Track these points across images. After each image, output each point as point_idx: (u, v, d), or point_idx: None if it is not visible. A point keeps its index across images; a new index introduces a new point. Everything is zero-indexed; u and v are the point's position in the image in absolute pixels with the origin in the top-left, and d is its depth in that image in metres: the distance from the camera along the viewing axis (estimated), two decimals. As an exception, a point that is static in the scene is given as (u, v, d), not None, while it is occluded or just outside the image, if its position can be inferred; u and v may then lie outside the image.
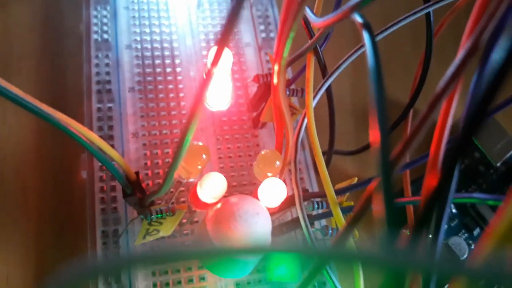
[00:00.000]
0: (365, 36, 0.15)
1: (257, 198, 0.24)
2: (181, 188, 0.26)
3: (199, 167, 0.23)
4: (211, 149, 0.30)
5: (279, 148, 0.26)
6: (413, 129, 0.13)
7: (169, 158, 0.30)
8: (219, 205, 0.23)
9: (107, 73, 0.31)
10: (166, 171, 0.19)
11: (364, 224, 0.27)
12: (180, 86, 0.32)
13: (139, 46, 0.32)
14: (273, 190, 0.23)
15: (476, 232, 0.33)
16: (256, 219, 0.22)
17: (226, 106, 0.26)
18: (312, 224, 0.26)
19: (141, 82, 0.31)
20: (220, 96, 0.25)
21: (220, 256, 0.10)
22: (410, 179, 0.30)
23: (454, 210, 0.34)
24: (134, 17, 0.33)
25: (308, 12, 0.21)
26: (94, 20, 0.33)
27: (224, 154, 0.31)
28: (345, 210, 0.24)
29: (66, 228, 0.30)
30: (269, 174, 0.24)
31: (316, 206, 0.25)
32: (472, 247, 0.32)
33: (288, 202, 0.25)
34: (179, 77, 0.32)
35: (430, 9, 0.24)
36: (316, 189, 0.31)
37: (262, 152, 0.25)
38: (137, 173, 0.25)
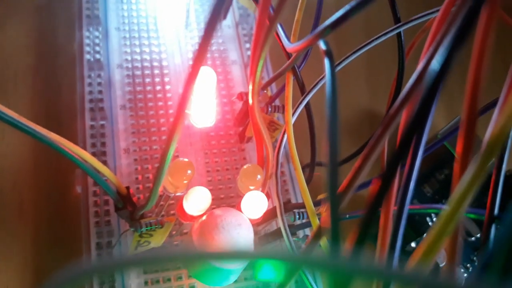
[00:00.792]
0: (326, 62, 0.16)
1: (241, 210, 0.25)
2: (171, 201, 0.28)
3: (185, 181, 0.25)
4: (199, 163, 0.32)
5: (260, 162, 0.27)
6: (363, 155, 0.14)
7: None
8: (204, 217, 0.24)
9: (100, 92, 0.32)
10: (151, 186, 0.21)
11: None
12: (170, 103, 0.33)
13: (130, 65, 0.34)
14: (255, 203, 0.25)
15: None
16: (238, 230, 0.23)
17: (211, 123, 0.27)
18: (294, 233, 0.28)
19: (132, 100, 0.33)
20: (204, 113, 0.26)
21: (193, 260, 0.12)
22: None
23: (435, 219, 0.36)
24: (125, 37, 0.35)
25: (282, 36, 0.23)
26: (87, 41, 0.34)
27: (212, 168, 0.32)
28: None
29: (62, 239, 0.32)
30: (251, 187, 0.26)
31: (297, 216, 0.27)
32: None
33: (272, 214, 0.27)
34: (168, 95, 0.33)
35: (401, 29, 0.26)
36: (300, 200, 0.32)
37: (244, 167, 0.26)
38: (127, 188, 0.26)
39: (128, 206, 0.26)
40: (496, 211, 0.16)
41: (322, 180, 0.36)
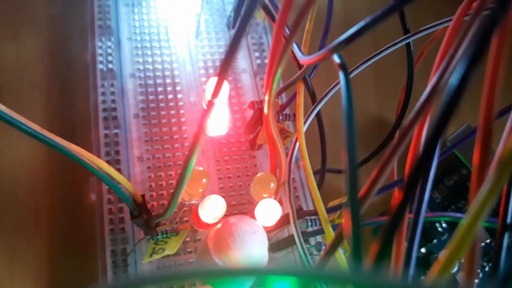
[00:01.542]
0: (341, 76, 0.17)
1: (254, 218, 0.26)
2: (184, 209, 0.28)
3: (200, 190, 0.25)
4: (211, 170, 0.32)
5: (273, 170, 0.28)
6: (383, 161, 0.14)
7: (172, 179, 0.32)
8: (219, 225, 0.25)
9: (113, 101, 0.33)
10: (171, 196, 0.21)
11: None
12: (182, 111, 0.34)
13: (142, 75, 0.35)
14: (268, 211, 0.25)
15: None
16: (253, 238, 0.23)
17: (224, 132, 0.28)
18: (307, 240, 0.28)
19: (145, 109, 0.33)
20: (218, 123, 0.27)
21: (218, 276, 0.12)
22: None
23: (444, 225, 0.36)
24: (137, 47, 0.35)
25: (295, 49, 0.23)
26: (99, 51, 0.35)
27: (224, 175, 0.33)
28: (336, 227, 0.25)
29: (77, 246, 0.32)
30: (265, 195, 0.26)
31: (310, 223, 0.27)
32: (462, 260, 0.34)
33: (284, 220, 0.27)
34: (180, 103, 0.34)
35: (410, 40, 0.26)
36: (311, 207, 0.33)
37: (258, 175, 0.27)
38: (143, 196, 0.26)
39: (144, 214, 0.27)
40: (509, 219, 0.16)
41: (333, 187, 0.36)
